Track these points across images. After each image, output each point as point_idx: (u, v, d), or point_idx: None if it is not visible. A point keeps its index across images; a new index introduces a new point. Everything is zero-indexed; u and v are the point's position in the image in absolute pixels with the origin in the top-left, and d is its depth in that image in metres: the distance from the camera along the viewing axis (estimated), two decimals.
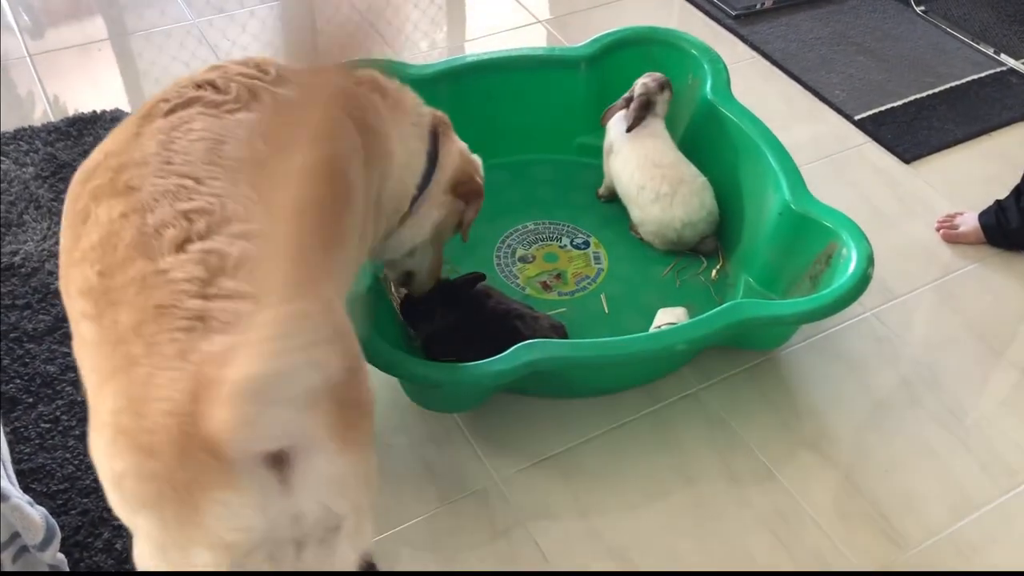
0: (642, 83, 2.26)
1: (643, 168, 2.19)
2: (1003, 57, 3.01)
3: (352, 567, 1.08)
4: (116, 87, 2.75)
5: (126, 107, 2.61)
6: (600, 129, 2.40)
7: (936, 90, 2.85)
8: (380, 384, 1.89)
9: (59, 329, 1.94)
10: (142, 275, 1.03)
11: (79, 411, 1.80)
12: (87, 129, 2.46)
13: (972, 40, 3.08)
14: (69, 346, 1.88)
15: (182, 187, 1.12)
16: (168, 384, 0.95)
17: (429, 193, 1.73)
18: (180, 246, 1.05)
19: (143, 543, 1.02)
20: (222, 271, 1.03)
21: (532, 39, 3.04)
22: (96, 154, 1.24)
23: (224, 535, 0.96)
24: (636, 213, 2.25)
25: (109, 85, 2.75)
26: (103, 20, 3.02)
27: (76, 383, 1.84)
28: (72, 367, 1.87)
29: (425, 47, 2.99)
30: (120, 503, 1.01)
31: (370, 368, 1.70)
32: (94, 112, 2.52)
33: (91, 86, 2.73)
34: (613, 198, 2.35)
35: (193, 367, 0.95)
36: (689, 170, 2.22)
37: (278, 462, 0.97)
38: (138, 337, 0.99)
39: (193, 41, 2.90)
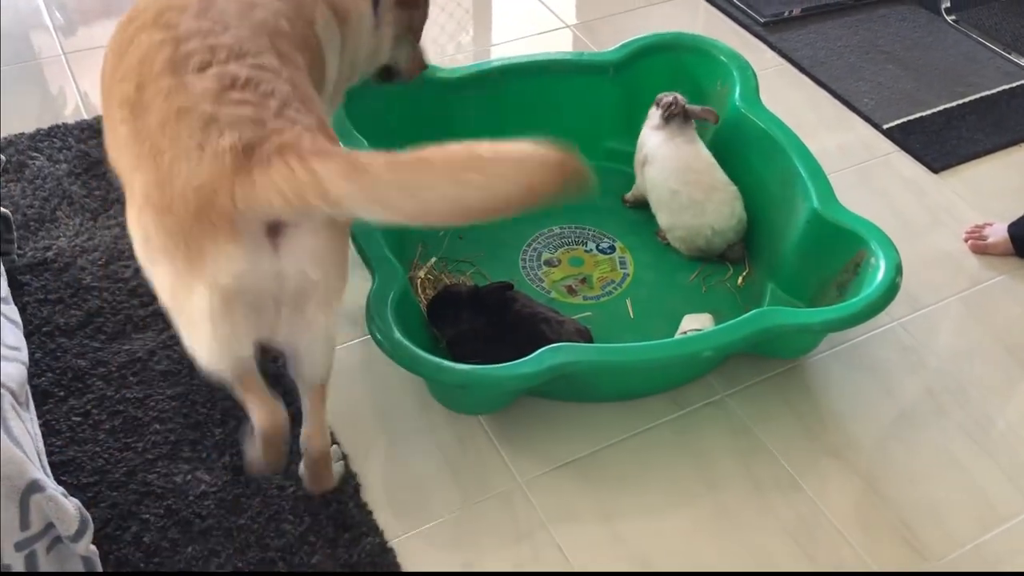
0: (672, 97, 2.23)
1: (678, 172, 2.19)
2: None
3: (320, 331, 1.38)
4: None
5: None
6: (627, 135, 2.40)
7: (966, 100, 2.84)
8: (406, 385, 1.91)
9: (90, 324, 1.96)
10: (168, 87, 1.29)
11: (109, 405, 1.82)
12: None
13: (1004, 50, 3.06)
14: (100, 341, 1.92)
15: (212, 30, 1.37)
16: (189, 166, 1.22)
17: (383, 19, 1.84)
18: (202, 68, 1.30)
19: (159, 291, 1.32)
20: (232, 86, 1.29)
21: (559, 44, 3.04)
22: (139, 4, 1.46)
23: (220, 278, 1.23)
24: (665, 218, 2.25)
25: None
26: None
27: (107, 378, 1.86)
28: (102, 362, 1.89)
29: (452, 51, 3.00)
30: (144, 256, 1.31)
31: (397, 368, 1.74)
32: None
33: None
34: (639, 204, 2.35)
35: (210, 155, 1.21)
36: (721, 177, 2.21)
37: (274, 230, 1.25)
38: (163, 133, 1.25)
39: None
